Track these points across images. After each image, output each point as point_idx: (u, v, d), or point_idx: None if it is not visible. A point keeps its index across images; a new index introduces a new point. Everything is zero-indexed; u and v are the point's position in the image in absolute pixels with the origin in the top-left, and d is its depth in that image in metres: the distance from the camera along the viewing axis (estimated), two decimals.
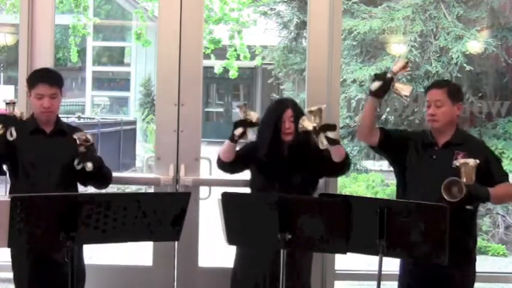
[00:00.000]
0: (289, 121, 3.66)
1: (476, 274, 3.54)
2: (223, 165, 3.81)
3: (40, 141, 3.58)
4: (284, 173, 3.66)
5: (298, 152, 3.67)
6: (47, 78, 3.56)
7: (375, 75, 3.56)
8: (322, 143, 3.41)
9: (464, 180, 3.21)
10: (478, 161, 3.25)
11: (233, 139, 3.65)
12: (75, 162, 3.44)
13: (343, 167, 3.68)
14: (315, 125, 3.41)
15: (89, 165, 3.42)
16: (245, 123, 3.63)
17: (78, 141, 3.42)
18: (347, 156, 3.65)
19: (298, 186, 3.62)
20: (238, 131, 3.61)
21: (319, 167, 3.68)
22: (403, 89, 3.51)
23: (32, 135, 3.58)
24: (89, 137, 3.47)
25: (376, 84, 3.48)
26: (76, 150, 3.43)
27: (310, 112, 3.44)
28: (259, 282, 3.67)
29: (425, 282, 3.48)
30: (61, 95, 3.62)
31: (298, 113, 3.68)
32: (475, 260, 3.53)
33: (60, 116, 3.76)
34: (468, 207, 3.32)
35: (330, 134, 3.42)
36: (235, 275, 3.80)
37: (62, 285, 3.05)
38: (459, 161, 3.26)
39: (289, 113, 3.67)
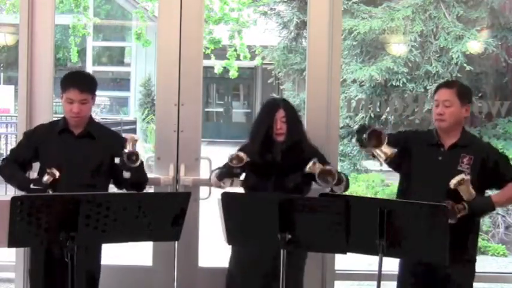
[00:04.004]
0: (280, 121, 3.63)
1: (476, 274, 3.54)
2: None
3: (67, 142, 3.58)
4: (277, 173, 3.63)
5: (291, 153, 3.64)
6: (78, 84, 3.54)
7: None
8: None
9: (465, 198, 3.26)
10: (468, 177, 3.28)
11: None
12: (117, 160, 3.49)
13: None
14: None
15: (126, 175, 3.51)
16: None
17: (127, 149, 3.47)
18: (347, 186, 3.61)
19: (291, 187, 3.59)
20: None
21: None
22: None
23: (60, 135, 3.59)
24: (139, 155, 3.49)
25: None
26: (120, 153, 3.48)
27: (325, 171, 3.42)
28: (256, 282, 3.65)
29: (425, 282, 3.48)
30: (93, 100, 3.62)
31: (291, 114, 3.66)
32: (475, 260, 3.52)
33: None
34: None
35: (330, 179, 3.41)
36: (231, 276, 3.79)
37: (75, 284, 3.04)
38: (453, 183, 3.25)
39: (281, 113, 3.64)
